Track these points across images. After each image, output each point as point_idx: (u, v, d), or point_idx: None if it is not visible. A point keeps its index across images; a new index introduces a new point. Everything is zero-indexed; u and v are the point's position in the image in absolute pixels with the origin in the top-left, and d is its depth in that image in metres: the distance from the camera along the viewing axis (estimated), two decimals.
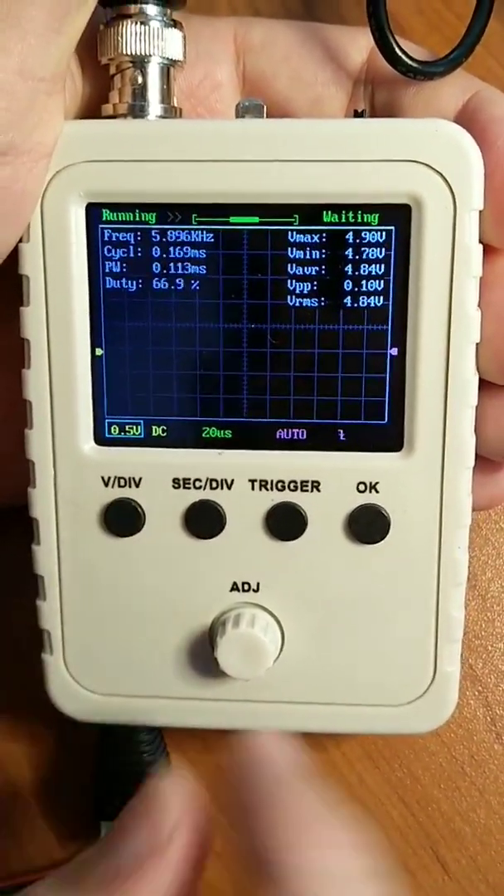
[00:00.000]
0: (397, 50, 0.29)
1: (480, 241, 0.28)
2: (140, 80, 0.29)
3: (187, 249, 0.29)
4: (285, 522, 0.30)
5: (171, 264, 0.29)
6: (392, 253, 0.28)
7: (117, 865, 0.23)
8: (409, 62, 0.29)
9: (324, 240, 0.28)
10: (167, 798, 0.24)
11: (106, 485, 0.30)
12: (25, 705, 0.36)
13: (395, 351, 0.29)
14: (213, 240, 0.29)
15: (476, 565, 0.37)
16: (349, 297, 0.29)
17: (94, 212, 0.29)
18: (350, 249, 0.28)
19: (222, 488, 0.30)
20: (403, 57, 0.29)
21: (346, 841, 0.23)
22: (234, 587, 0.30)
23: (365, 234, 0.28)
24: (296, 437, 0.30)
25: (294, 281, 0.29)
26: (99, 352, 0.30)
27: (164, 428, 0.30)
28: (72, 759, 0.36)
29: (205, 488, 0.30)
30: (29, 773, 0.37)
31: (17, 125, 0.25)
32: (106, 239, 0.29)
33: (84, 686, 0.31)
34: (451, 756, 0.37)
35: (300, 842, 0.23)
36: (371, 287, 0.29)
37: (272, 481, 0.30)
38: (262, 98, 0.30)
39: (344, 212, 0.28)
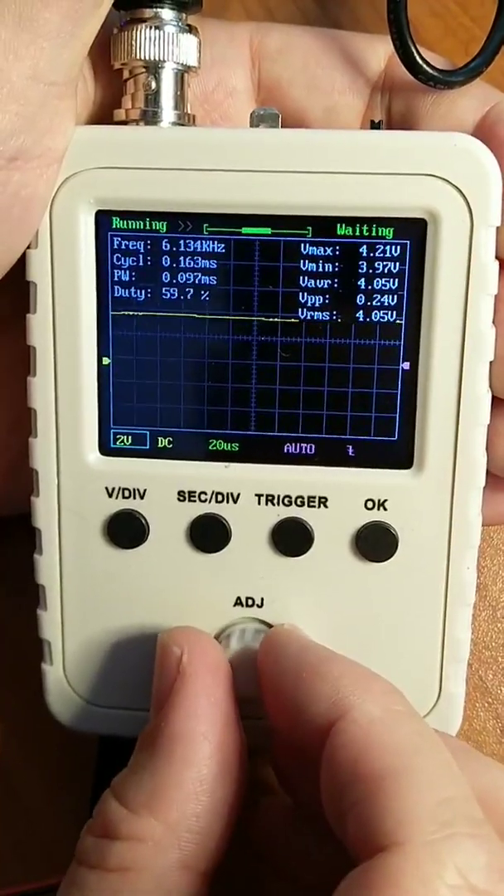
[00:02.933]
0: (417, 58, 0.28)
1: (497, 258, 0.27)
2: (153, 85, 0.28)
3: (198, 259, 0.28)
4: (291, 538, 0.29)
5: (181, 274, 0.28)
6: (406, 268, 0.28)
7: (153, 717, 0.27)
8: (430, 71, 0.28)
9: (337, 253, 0.28)
10: (170, 640, 0.27)
11: (110, 495, 0.29)
12: (26, 711, 0.36)
13: (407, 366, 0.28)
14: (224, 250, 0.28)
15: (487, 576, 0.37)
16: (362, 312, 0.28)
17: (103, 219, 0.28)
18: (364, 263, 0.28)
19: (228, 502, 0.29)
20: (424, 65, 0.28)
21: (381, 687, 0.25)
22: (238, 602, 0.30)
23: (379, 248, 0.28)
24: (304, 451, 0.29)
25: (306, 294, 0.28)
26: (106, 361, 0.29)
27: (171, 439, 0.30)
28: (73, 766, 0.36)
29: (210, 501, 0.29)
30: (30, 779, 0.36)
31: (29, 130, 0.25)
32: (115, 247, 0.28)
33: (83, 697, 0.31)
34: None
35: (360, 689, 0.25)
36: (384, 302, 0.28)
37: (279, 496, 0.29)
38: (277, 105, 0.30)
39: (358, 225, 0.28)
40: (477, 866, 0.21)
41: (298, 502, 0.29)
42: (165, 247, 0.28)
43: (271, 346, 0.29)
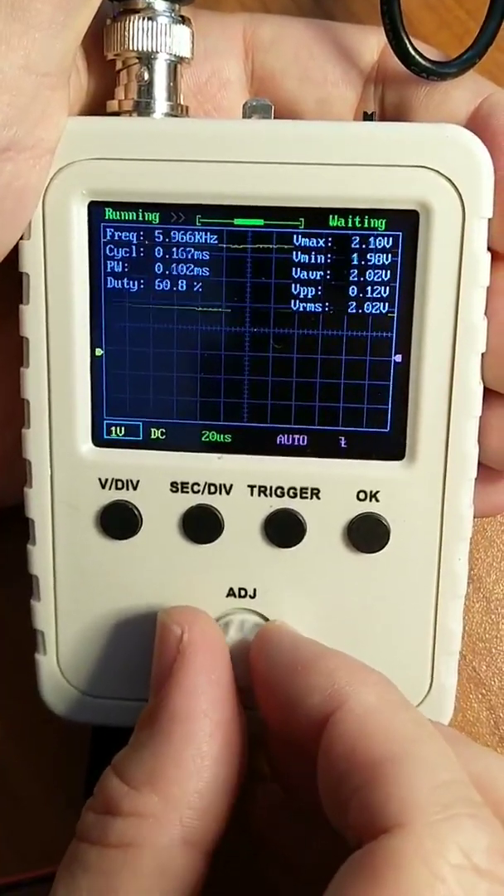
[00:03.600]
0: (411, 49, 0.28)
1: (489, 249, 0.27)
2: (146, 76, 0.28)
3: (190, 251, 0.28)
4: (284, 529, 0.29)
5: (174, 265, 0.28)
6: (399, 259, 0.28)
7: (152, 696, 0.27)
8: (423, 62, 0.28)
9: (329, 244, 0.28)
10: (169, 619, 0.28)
11: (103, 486, 0.30)
12: (19, 702, 0.36)
13: (399, 358, 0.28)
14: (216, 241, 0.28)
15: (481, 567, 0.37)
16: (354, 303, 0.28)
17: (96, 210, 0.28)
18: (356, 254, 0.28)
19: (221, 493, 0.29)
20: (417, 57, 0.28)
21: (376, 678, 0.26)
22: (231, 593, 0.30)
23: (371, 240, 0.28)
24: (296, 443, 0.29)
25: (298, 285, 0.28)
26: (99, 352, 0.29)
27: (164, 430, 0.30)
28: (67, 757, 0.36)
29: (203, 493, 0.29)
30: (24, 772, 0.36)
31: (21, 121, 0.25)
32: (108, 238, 0.28)
33: (77, 687, 0.31)
34: None
35: (354, 680, 0.25)
36: (376, 293, 0.28)
37: (271, 487, 0.29)
38: (270, 96, 0.30)
39: (350, 216, 0.28)
40: (479, 847, 0.21)
41: (291, 493, 0.29)
42: (158, 238, 0.28)
43: (264, 337, 0.29)
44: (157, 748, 0.26)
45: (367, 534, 0.29)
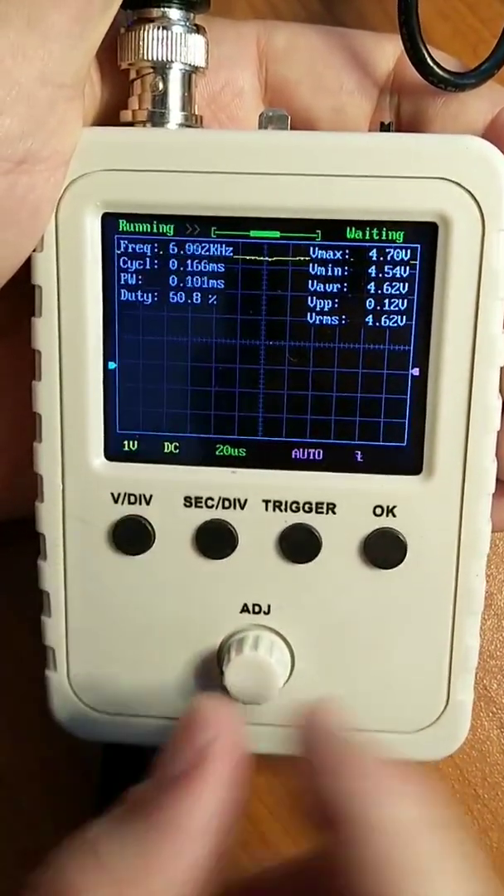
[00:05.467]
0: (429, 60, 0.28)
1: None
2: (161, 86, 0.28)
3: (205, 263, 0.28)
4: (299, 544, 0.29)
5: (189, 278, 0.28)
6: (417, 272, 0.28)
7: (159, 784, 0.24)
8: (441, 73, 0.28)
9: (346, 256, 0.28)
10: (203, 716, 0.25)
11: (115, 501, 0.29)
12: (29, 718, 0.35)
13: (416, 372, 0.28)
14: (232, 254, 0.28)
15: (493, 584, 0.36)
16: (371, 316, 0.28)
17: (110, 222, 0.28)
18: (373, 267, 0.28)
19: (235, 508, 0.29)
20: (434, 67, 0.28)
21: (414, 790, 0.24)
22: (245, 609, 0.30)
23: (389, 252, 0.27)
24: (312, 457, 0.29)
25: (315, 298, 0.28)
26: (112, 365, 0.29)
27: (177, 444, 0.29)
28: (77, 775, 0.36)
29: (217, 507, 0.29)
30: (33, 785, 0.36)
31: (37, 132, 0.24)
32: (122, 250, 0.28)
33: (88, 704, 0.31)
34: (463, 778, 0.36)
35: (375, 790, 0.23)
36: (394, 306, 0.28)
37: (286, 502, 0.29)
38: (284, 105, 0.30)
39: (368, 228, 0.27)
40: None
41: (306, 508, 0.29)
42: (173, 250, 0.28)
43: (279, 350, 0.28)
44: (143, 851, 0.23)
45: (383, 549, 0.29)
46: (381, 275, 0.28)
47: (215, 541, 0.29)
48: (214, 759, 0.24)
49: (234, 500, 0.29)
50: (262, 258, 0.28)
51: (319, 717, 0.26)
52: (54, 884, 0.23)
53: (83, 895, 0.23)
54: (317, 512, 0.29)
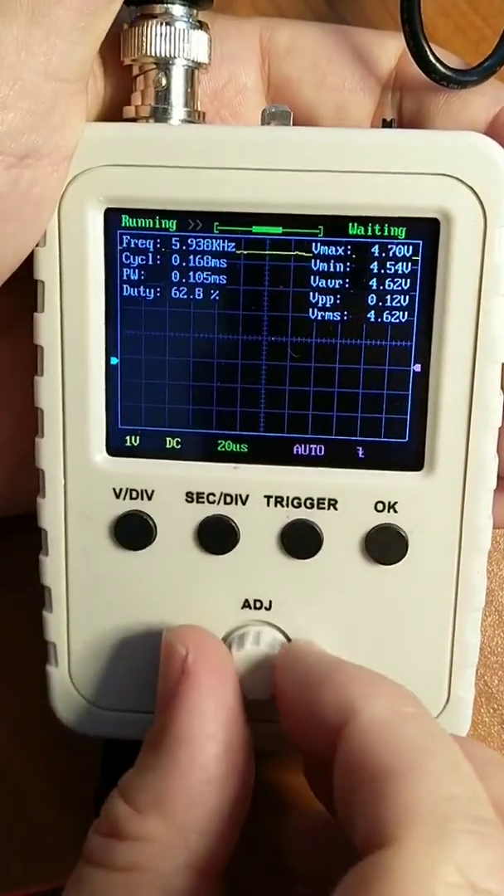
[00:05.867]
0: (431, 57, 0.28)
1: None
2: (164, 82, 0.28)
3: (207, 258, 0.28)
4: (300, 540, 0.29)
5: (191, 273, 0.28)
6: (419, 268, 0.28)
7: (158, 715, 0.26)
8: (443, 70, 0.28)
9: (349, 252, 0.28)
10: (175, 639, 0.27)
11: (117, 496, 0.29)
12: (29, 714, 0.35)
13: (418, 368, 0.28)
14: (234, 249, 0.28)
15: (494, 581, 0.37)
16: (373, 312, 0.28)
17: (112, 217, 0.28)
18: (375, 263, 0.28)
19: (237, 503, 0.29)
20: (437, 64, 0.28)
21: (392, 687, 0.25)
22: (246, 604, 0.30)
23: (391, 248, 0.28)
24: (314, 453, 0.29)
25: (317, 294, 0.28)
26: (114, 360, 0.29)
27: (179, 440, 0.29)
28: (77, 770, 0.36)
29: (219, 503, 0.29)
30: (34, 784, 0.36)
31: (40, 127, 0.25)
32: (124, 245, 0.28)
33: (89, 699, 0.31)
34: None
35: (367, 693, 0.25)
36: (396, 302, 0.28)
37: (288, 498, 0.29)
38: (286, 102, 0.30)
39: (370, 224, 0.27)
40: (479, 864, 0.20)
41: (308, 504, 0.29)
42: (175, 245, 0.28)
43: (281, 346, 0.28)
44: (163, 772, 0.25)
45: (384, 545, 0.29)
46: (382, 271, 0.28)
47: (217, 536, 0.29)
48: (194, 670, 0.26)
49: (236, 495, 0.29)
50: (264, 253, 0.28)
51: (296, 645, 0.29)
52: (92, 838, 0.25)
53: (121, 835, 0.25)
54: (318, 508, 0.29)
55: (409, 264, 0.28)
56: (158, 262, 0.28)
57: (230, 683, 0.27)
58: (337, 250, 0.28)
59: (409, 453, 0.29)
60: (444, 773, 0.23)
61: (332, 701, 0.25)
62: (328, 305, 0.28)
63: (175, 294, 0.28)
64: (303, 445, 0.29)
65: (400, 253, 0.28)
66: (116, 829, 0.25)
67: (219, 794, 0.25)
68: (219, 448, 0.29)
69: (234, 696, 0.27)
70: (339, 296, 0.28)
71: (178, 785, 0.25)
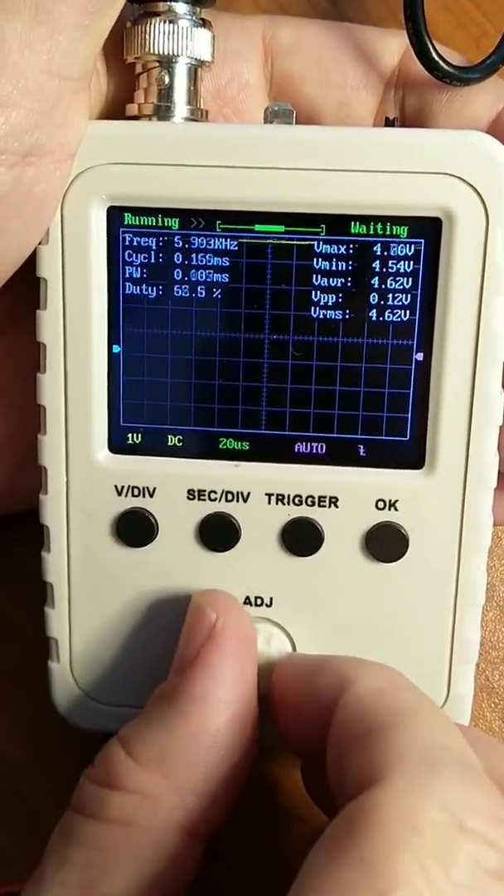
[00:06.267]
0: (434, 55, 0.28)
1: None
2: (167, 80, 0.28)
3: (210, 257, 0.28)
4: (301, 538, 0.29)
5: (193, 271, 0.28)
6: (420, 267, 0.28)
7: (176, 672, 0.27)
8: (446, 68, 0.28)
9: (351, 251, 0.28)
10: (206, 602, 0.27)
11: (119, 494, 0.29)
12: (31, 709, 0.36)
13: (419, 366, 0.28)
14: (236, 248, 0.28)
15: (495, 576, 0.37)
16: (375, 311, 0.28)
17: (115, 215, 0.28)
18: (377, 262, 0.28)
19: (238, 501, 0.29)
20: (440, 62, 0.28)
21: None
22: (247, 601, 0.30)
23: (393, 247, 0.28)
24: (315, 451, 0.29)
25: (319, 292, 0.28)
26: (116, 358, 0.29)
27: (181, 438, 0.29)
28: (78, 765, 0.36)
29: (220, 500, 0.29)
30: (34, 777, 0.36)
31: (43, 125, 0.25)
32: (127, 243, 0.28)
33: (90, 695, 0.31)
34: None
35: (360, 669, 0.25)
36: (397, 301, 0.28)
37: (289, 495, 0.29)
38: (289, 100, 0.30)
39: (372, 223, 0.27)
40: (466, 805, 0.20)
41: (309, 502, 0.29)
42: (178, 244, 0.28)
43: (283, 344, 0.28)
44: (171, 728, 0.25)
45: (385, 543, 0.29)
46: (384, 270, 0.28)
47: (218, 533, 0.29)
48: (222, 636, 0.26)
49: (237, 493, 0.29)
50: (266, 252, 0.28)
51: (292, 656, 0.29)
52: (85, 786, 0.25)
53: (118, 786, 0.24)
54: (319, 505, 0.29)
55: (411, 263, 0.28)
56: (161, 260, 0.28)
57: (251, 656, 0.27)
58: (339, 249, 0.28)
59: (409, 451, 0.29)
60: (435, 728, 0.23)
61: (328, 680, 0.25)
62: (330, 304, 0.28)
63: (177, 292, 0.28)
64: (304, 443, 0.29)
65: (402, 252, 0.28)
66: (113, 778, 0.25)
67: (222, 760, 0.25)
68: (220, 446, 0.29)
69: (252, 670, 0.27)
70: (340, 294, 0.28)
71: (185, 743, 0.25)
